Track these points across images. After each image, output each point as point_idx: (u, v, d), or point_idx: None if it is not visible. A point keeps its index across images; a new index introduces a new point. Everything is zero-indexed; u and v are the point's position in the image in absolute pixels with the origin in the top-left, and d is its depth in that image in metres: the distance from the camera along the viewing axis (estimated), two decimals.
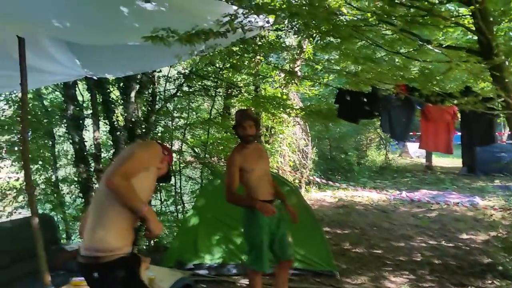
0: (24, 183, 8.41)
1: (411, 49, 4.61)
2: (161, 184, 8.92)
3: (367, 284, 4.04)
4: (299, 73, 8.30)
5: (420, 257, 5.10)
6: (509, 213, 7.59)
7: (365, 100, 5.23)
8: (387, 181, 12.48)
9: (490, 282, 4.08)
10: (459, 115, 4.95)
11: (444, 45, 3.79)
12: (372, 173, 14.24)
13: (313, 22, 3.27)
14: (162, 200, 9.14)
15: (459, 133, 5.22)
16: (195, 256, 4.61)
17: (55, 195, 8.01)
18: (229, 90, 10.22)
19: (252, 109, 3.31)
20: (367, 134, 18.74)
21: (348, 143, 17.93)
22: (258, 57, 7.94)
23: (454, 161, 15.48)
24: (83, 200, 7.66)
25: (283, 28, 6.67)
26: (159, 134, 8.61)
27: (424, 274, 4.40)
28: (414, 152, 18.96)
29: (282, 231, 3.29)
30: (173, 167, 9.51)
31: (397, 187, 11.27)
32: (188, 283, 3.47)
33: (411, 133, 10.66)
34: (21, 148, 8.17)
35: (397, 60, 5.11)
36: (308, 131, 12.46)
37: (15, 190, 8.28)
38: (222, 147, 9.84)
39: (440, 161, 18.15)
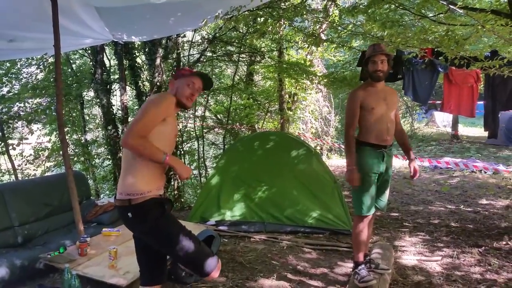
0: (55, 145, 8.84)
1: (438, 13, 4.52)
2: (184, 149, 9.16)
3: (381, 242, 4.16)
4: (323, 37, 8.16)
5: (437, 220, 5.17)
6: None
7: None
8: None
9: (505, 243, 4.12)
10: (482, 79, 4.88)
11: (469, 6, 3.72)
12: (396, 142, 14.10)
13: None
14: (186, 164, 9.52)
15: (483, 102, 5.14)
16: (217, 213, 4.86)
17: (86, 155, 8.38)
18: (253, 57, 10.21)
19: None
20: None
21: None
22: (282, 20, 7.85)
23: (482, 131, 15.07)
24: (111, 161, 8.01)
25: None
26: None
27: (440, 236, 4.49)
28: (441, 121, 18.59)
29: (386, 179, 3.12)
30: (196, 131, 9.73)
31: (420, 155, 11.18)
32: (211, 234, 3.68)
33: (439, 102, 10.40)
34: (50, 112, 8.57)
35: (423, 24, 5.02)
36: (332, 98, 12.38)
37: (47, 151, 8.70)
38: (244, 113, 9.96)
39: (467, 130, 17.74)
